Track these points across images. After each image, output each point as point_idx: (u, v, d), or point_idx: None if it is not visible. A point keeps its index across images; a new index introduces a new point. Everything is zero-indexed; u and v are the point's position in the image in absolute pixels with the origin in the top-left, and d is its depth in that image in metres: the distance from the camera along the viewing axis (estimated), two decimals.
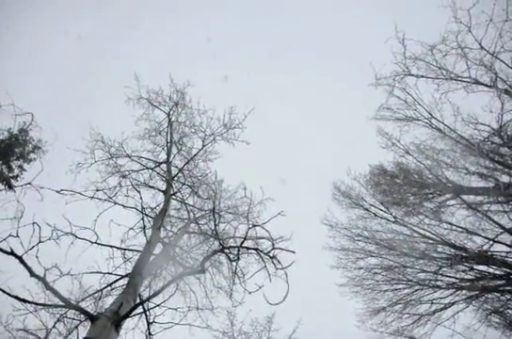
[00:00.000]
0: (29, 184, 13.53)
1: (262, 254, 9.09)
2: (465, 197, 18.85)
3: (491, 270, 17.08)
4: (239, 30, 27.49)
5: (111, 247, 12.58)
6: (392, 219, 19.02)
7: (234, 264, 10.10)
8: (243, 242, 9.16)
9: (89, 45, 24.83)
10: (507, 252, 16.77)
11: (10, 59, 20.69)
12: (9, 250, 8.91)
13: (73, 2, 24.53)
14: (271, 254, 8.88)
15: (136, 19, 26.21)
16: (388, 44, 16.61)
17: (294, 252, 8.84)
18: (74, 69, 24.03)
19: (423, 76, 17.36)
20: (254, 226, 9.91)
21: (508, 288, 17.12)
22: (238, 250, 9.40)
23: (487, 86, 16.45)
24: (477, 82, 16.49)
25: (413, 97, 18.49)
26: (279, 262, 8.72)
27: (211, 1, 27.96)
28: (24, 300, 8.88)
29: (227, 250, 9.69)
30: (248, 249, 9.52)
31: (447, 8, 15.35)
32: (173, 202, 15.30)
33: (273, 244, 8.96)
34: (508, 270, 16.70)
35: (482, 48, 15.66)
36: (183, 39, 27.46)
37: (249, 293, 8.93)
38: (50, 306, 9.70)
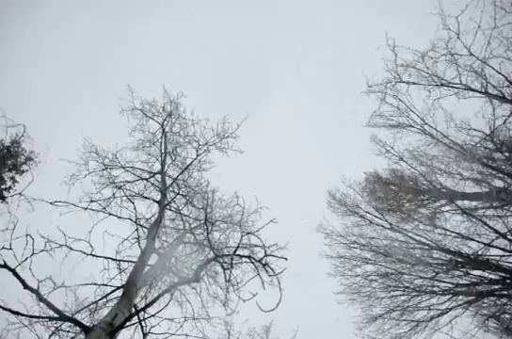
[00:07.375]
0: (20, 194, 13.56)
1: (254, 262, 9.11)
2: (459, 202, 18.88)
3: (487, 275, 17.07)
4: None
5: (106, 258, 12.59)
6: (388, 226, 18.97)
7: (228, 272, 10.11)
8: (236, 250, 9.19)
9: (83, 54, 25.00)
10: (501, 256, 16.76)
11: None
12: (2, 263, 8.94)
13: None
14: (263, 262, 8.90)
15: (130, 26, 26.35)
16: (379, 52, 16.74)
17: (286, 259, 8.87)
18: (67, 79, 24.13)
19: (414, 83, 17.42)
20: (247, 234, 9.96)
21: (504, 292, 17.10)
22: (231, 259, 9.43)
23: (478, 91, 16.52)
24: (468, 88, 16.57)
25: (405, 104, 18.59)
26: (271, 269, 8.74)
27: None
28: (17, 313, 8.88)
29: (220, 259, 9.71)
30: (240, 257, 9.56)
31: (436, 15, 15.53)
32: (168, 213, 15.33)
33: (265, 251, 8.99)
34: (503, 275, 16.67)
35: (471, 54, 15.75)
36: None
37: (244, 301, 8.92)
38: (44, 318, 9.64)
